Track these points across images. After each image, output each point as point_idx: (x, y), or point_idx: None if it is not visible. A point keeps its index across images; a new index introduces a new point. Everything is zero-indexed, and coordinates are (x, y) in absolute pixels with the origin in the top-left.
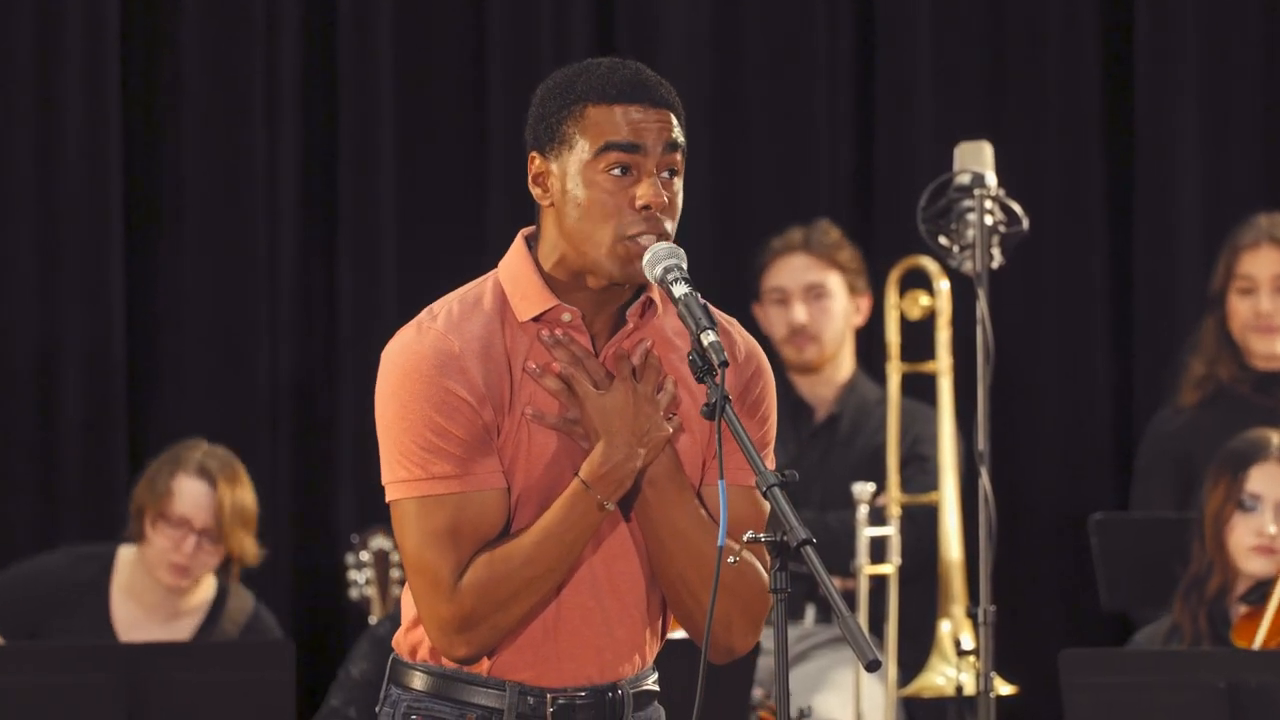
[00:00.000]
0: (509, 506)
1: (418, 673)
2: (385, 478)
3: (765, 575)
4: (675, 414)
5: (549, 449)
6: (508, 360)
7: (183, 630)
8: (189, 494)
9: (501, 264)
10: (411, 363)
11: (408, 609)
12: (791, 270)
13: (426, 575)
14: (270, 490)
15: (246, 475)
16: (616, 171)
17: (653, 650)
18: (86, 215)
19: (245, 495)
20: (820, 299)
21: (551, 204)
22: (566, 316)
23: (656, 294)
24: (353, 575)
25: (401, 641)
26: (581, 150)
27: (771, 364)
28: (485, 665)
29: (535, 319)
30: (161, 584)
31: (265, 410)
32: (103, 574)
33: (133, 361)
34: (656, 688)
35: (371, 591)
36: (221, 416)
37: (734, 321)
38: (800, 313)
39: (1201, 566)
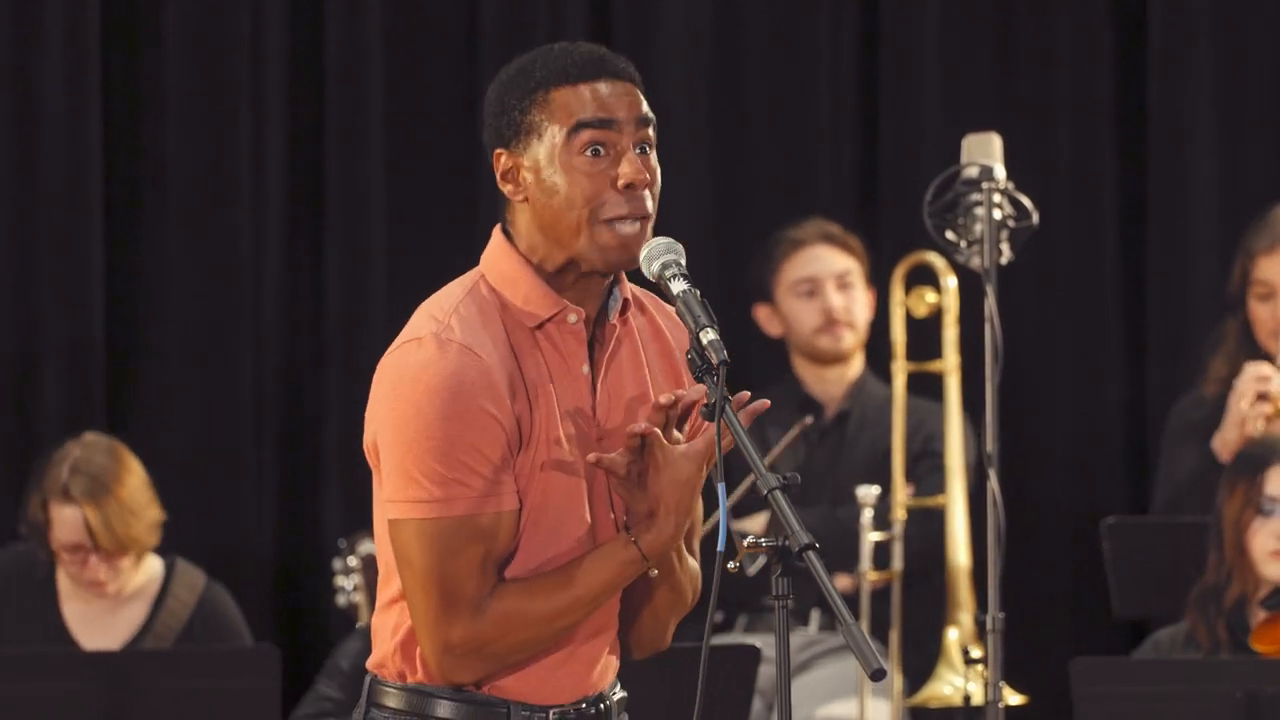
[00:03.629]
0: (519, 525)
1: (403, 693)
2: (397, 495)
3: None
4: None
5: (563, 468)
6: (519, 368)
7: (135, 615)
8: (68, 522)
9: (485, 264)
10: (439, 379)
11: (387, 629)
12: (819, 259)
13: (444, 596)
14: (256, 493)
15: (125, 459)
16: (591, 152)
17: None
18: (66, 207)
19: (123, 492)
20: (850, 287)
21: (525, 198)
22: (573, 318)
23: (628, 289)
24: (340, 581)
25: (388, 663)
26: (552, 136)
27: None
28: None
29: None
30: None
31: (250, 410)
32: (49, 571)
33: (113, 359)
34: (625, 693)
35: (359, 598)
36: (205, 417)
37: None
38: (837, 299)
39: (1220, 576)
